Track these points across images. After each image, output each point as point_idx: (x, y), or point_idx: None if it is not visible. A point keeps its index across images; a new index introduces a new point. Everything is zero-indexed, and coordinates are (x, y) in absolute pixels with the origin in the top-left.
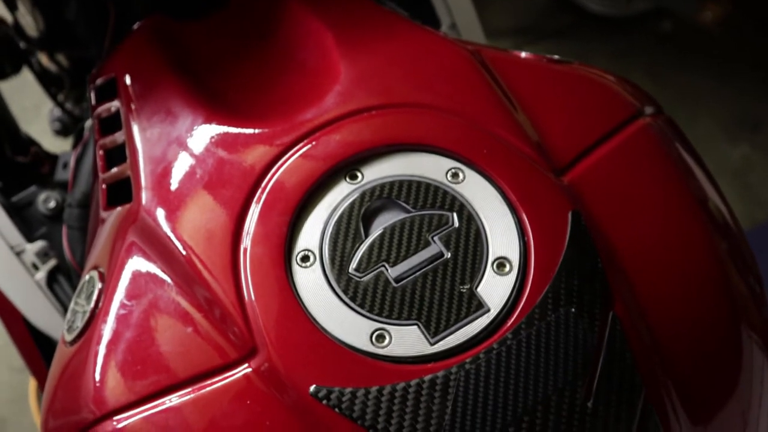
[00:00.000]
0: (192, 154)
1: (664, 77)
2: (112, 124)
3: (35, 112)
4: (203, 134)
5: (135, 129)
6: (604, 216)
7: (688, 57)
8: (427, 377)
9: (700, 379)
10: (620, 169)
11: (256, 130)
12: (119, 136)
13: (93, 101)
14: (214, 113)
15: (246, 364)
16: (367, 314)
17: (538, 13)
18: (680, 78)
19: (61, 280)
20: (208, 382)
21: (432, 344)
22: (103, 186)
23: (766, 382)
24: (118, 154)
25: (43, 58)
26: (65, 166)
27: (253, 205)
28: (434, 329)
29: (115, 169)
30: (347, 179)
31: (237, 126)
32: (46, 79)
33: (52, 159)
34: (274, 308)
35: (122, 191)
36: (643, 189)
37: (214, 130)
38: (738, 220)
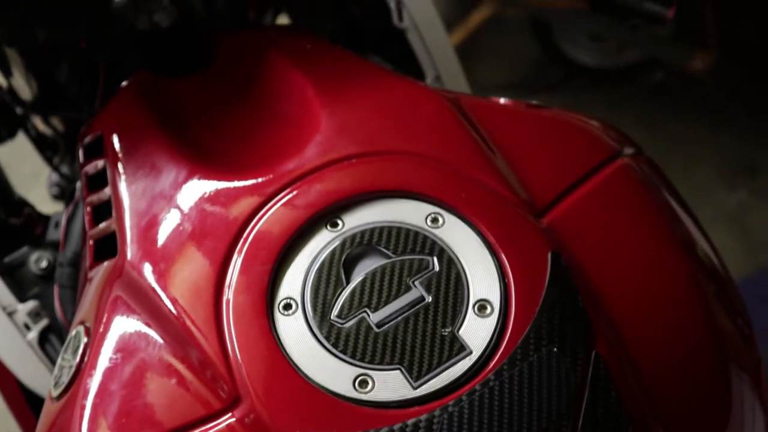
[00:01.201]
0: (176, 208)
1: (658, 126)
2: (99, 181)
3: (34, 180)
4: (187, 187)
5: (120, 184)
6: (585, 256)
7: (681, 105)
8: (410, 421)
9: (689, 420)
10: (600, 208)
11: (239, 182)
12: (106, 193)
13: (81, 159)
14: (197, 166)
15: (230, 414)
16: (350, 360)
17: (530, 67)
18: (674, 126)
19: (53, 340)
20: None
21: (415, 388)
22: (90, 242)
23: (757, 422)
24: (106, 211)
25: (39, 123)
26: (57, 225)
27: (236, 255)
28: (417, 373)
29: (101, 225)
30: (328, 227)
31: (220, 178)
32: (41, 144)
33: (45, 220)
34: (257, 357)
35: (109, 247)
36: (623, 228)
37: (198, 182)
38: (724, 262)
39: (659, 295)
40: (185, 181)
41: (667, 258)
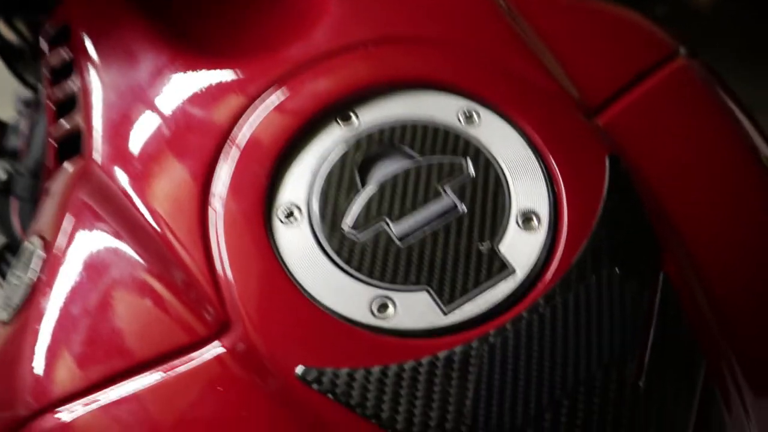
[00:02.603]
0: (155, 100)
1: None
2: (65, 73)
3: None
4: (168, 76)
5: (88, 74)
6: (646, 163)
7: (684, 39)
8: (441, 354)
9: (764, 351)
10: (660, 110)
11: (231, 70)
12: (71, 85)
13: (45, 50)
14: (180, 52)
15: (217, 343)
16: (366, 279)
17: None
18: None
19: (12, 261)
20: (172, 364)
21: (446, 313)
22: (53, 143)
23: None
24: (72, 107)
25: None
26: (16, 132)
27: (226, 153)
28: (448, 295)
29: (66, 122)
30: (340, 123)
31: (207, 66)
32: (6, 52)
33: (3, 127)
34: (251, 274)
35: (75, 149)
36: (688, 134)
37: (181, 71)
38: None
39: (732, 211)
40: (166, 68)
41: (740, 168)
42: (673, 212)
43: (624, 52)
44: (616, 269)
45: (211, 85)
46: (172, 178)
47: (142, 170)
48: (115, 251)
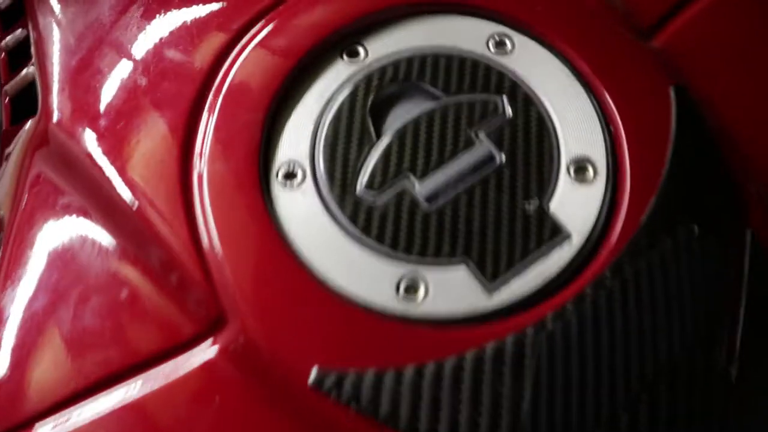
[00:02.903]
0: (120, 42)
1: None
2: (15, 15)
3: None
4: (135, 12)
5: (41, 15)
6: (715, 94)
7: None
8: (489, 346)
9: None
10: (730, 28)
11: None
12: (23, 31)
13: None
14: None
15: (210, 342)
16: (389, 253)
17: None
18: None
19: None
20: (155, 372)
21: (490, 293)
22: (5, 99)
23: None
24: (26, 55)
25: None
26: None
27: (210, 103)
28: (492, 269)
29: (19, 74)
30: (344, 57)
31: None
32: None
33: None
34: (247, 252)
35: (33, 105)
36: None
37: (151, 5)
38: None
39: None
40: (132, 3)
41: None
42: (751, 157)
43: None
44: (695, 227)
45: (185, 20)
46: (145, 137)
47: (109, 128)
48: (81, 230)
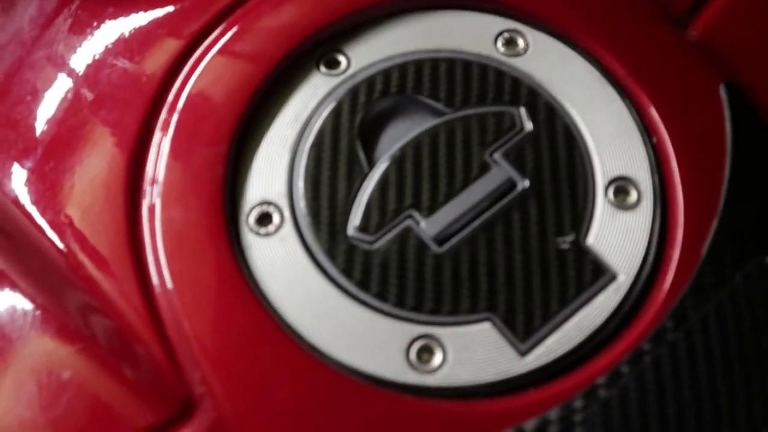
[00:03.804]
0: (52, 51)
1: None
2: None
3: None
4: (69, 16)
5: None
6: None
7: None
8: (529, 424)
9: None
10: None
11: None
12: None
13: None
14: None
15: None
16: (396, 312)
17: None
18: None
19: None
20: None
21: (523, 354)
22: None
23: None
24: None
25: None
26: None
27: (159, 133)
28: (523, 326)
29: None
30: (322, 68)
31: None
32: None
33: None
34: (217, 319)
35: None
36: None
37: (88, 7)
38: None
39: None
40: (66, 6)
41: None
42: None
43: None
44: (767, 259)
45: (126, 28)
46: (81, 172)
47: (37, 160)
48: (5, 304)
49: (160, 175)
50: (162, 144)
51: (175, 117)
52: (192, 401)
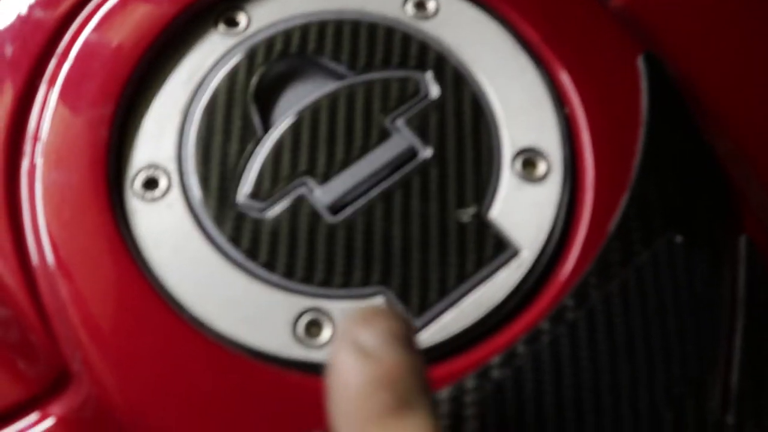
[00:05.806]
0: None
1: None
2: None
3: None
4: None
5: None
6: (694, 63)
7: None
8: None
9: None
10: None
11: None
12: None
13: None
14: None
15: (47, 405)
16: (284, 283)
17: None
18: None
19: None
20: None
21: (417, 330)
22: None
23: None
24: None
25: None
26: None
27: (43, 88)
28: (419, 301)
29: None
30: (220, 26)
31: None
32: None
33: None
34: (96, 287)
35: None
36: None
37: None
38: None
39: None
40: None
41: None
42: (740, 139)
43: None
44: (677, 237)
45: None
46: None
47: None
48: None
49: (44, 132)
50: (48, 97)
51: (63, 71)
52: (66, 374)
